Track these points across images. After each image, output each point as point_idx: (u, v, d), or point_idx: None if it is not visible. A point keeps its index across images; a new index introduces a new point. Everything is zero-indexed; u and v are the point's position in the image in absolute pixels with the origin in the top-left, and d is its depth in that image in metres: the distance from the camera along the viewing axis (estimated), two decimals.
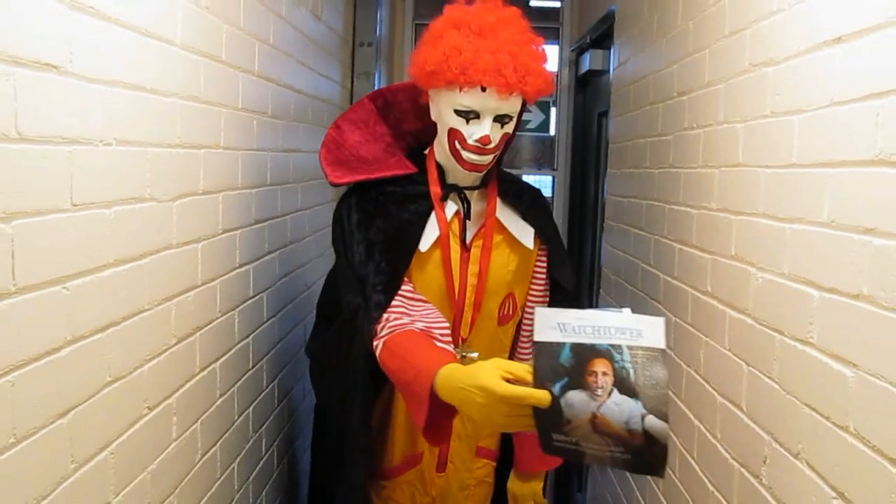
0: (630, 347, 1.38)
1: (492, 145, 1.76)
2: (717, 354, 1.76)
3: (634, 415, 1.37)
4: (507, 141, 1.85)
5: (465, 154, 1.78)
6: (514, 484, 2.10)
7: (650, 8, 2.55)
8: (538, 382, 1.38)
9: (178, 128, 1.55)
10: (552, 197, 4.47)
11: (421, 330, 1.73)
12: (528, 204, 2.01)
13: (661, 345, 1.39)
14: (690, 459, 1.92)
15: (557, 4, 4.34)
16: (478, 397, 1.38)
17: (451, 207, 1.91)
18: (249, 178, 2.05)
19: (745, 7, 1.67)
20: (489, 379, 1.39)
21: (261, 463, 2.24)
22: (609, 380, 1.37)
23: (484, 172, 1.87)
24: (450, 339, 1.79)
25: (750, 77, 1.62)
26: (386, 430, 2.00)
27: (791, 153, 1.40)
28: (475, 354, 1.89)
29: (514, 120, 1.79)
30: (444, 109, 1.77)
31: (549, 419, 1.38)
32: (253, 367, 2.12)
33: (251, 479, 2.16)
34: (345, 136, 1.98)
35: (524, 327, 2.05)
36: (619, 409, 1.37)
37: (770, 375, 1.46)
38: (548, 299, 2.05)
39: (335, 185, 1.93)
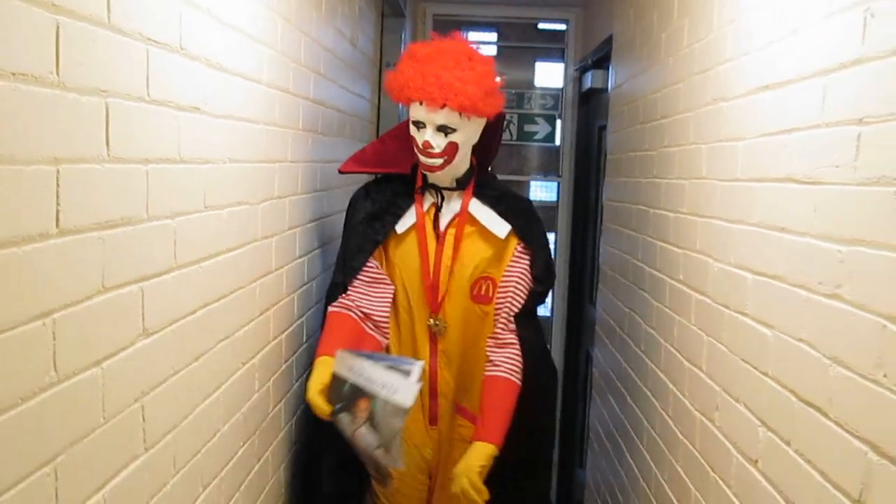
0: (384, 400, 1.96)
1: (435, 150, 2.22)
2: (685, 329, 2.19)
3: (371, 444, 1.99)
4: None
5: (420, 156, 2.28)
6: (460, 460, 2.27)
7: (641, 40, 2.98)
8: (328, 398, 2.08)
9: (262, 147, 1.99)
10: (557, 201, 4.90)
11: (358, 316, 2.33)
12: (508, 206, 2.38)
13: (407, 405, 1.94)
14: (666, 417, 2.35)
15: (563, 27, 4.79)
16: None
17: (429, 200, 2.41)
18: (306, 185, 2.49)
19: (708, 53, 2.11)
20: (312, 382, 2.12)
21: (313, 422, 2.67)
22: (365, 415, 1.98)
23: (445, 173, 2.31)
24: (386, 321, 2.38)
25: (711, 109, 2.06)
26: None
27: (736, 170, 1.83)
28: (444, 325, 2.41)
29: (462, 130, 2.21)
30: (410, 122, 2.27)
31: (335, 425, 2.06)
32: (306, 340, 2.56)
33: (303, 435, 2.59)
34: (375, 146, 2.58)
35: (498, 301, 2.39)
36: (365, 438, 2.00)
37: (721, 341, 1.89)
38: (520, 284, 2.38)
39: (341, 173, 2.56)
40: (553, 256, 2.57)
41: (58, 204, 1.05)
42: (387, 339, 2.41)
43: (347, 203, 2.52)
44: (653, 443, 2.52)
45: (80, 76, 1.09)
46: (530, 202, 2.52)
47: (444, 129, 2.21)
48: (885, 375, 1.17)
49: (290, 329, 2.36)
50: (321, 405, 2.07)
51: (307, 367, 2.57)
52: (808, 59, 1.48)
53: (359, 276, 2.38)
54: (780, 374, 1.55)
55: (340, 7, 2.91)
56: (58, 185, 1.04)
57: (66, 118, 1.06)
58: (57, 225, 1.05)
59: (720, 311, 1.90)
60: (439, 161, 2.25)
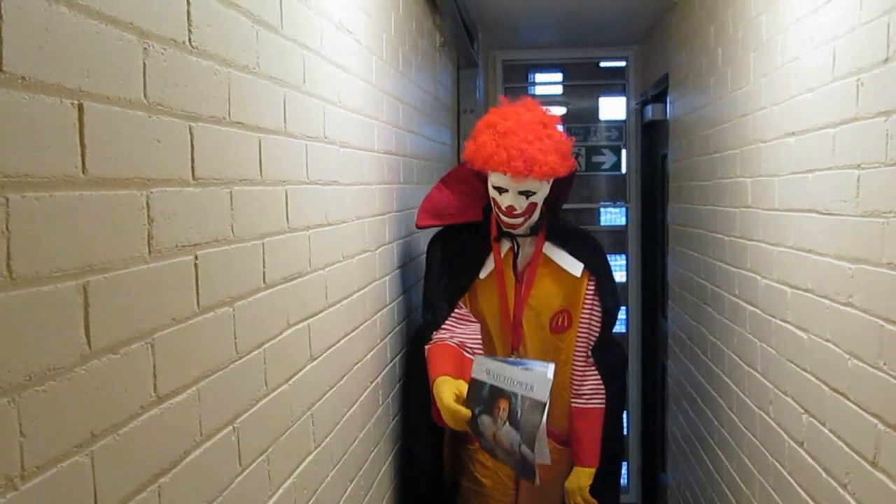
0: (523, 397, 2.12)
1: (517, 212, 2.44)
2: (742, 337, 2.54)
3: (515, 441, 2.14)
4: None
5: (501, 217, 2.51)
6: (568, 480, 2.67)
7: (693, 82, 3.35)
8: (466, 403, 2.23)
9: (369, 173, 2.40)
10: (626, 225, 5.25)
11: (455, 344, 2.53)
12: (577, 245, 2.63)
13: (544, 399, 2.08)
14: (732, 414, 2.69)
15: (623, 64, 5.16)
16: (439, 403, 2.29)
17: (506, 246, 2.63)
18: (404, 230, 2.91)
19: (747, 100, 2.47)
20: (444, 394, 2.26)
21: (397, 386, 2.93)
22: (505, 414, 2.14)
23: (524, 226, 2.52)
24: (481, 348, 2.58)
25: (752, 148, 2.42)
26: None
27: (774, 201, 2.19)
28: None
29: (540, 191, 2.44)
30: (490, 184, 2.50)
31: (474, 429, 2.25)
32: (395, 328, 2.81)
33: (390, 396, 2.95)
34: (440, 193, 2.74)
35: (577, 337, 2.66)
36: (508, 435, 2.15)
37: (770, 345, 2.24)
38: (593, 317, 2.65)
39: (419, 227, 2.74)
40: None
41: (232, 218, 1.40)
42: None
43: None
44: (722, 439, 2.85)
45: (244, 117, 1.44)
46: (595, 239, 2.77)
47: (525, 193, 2.43)
48: (884, 363, 1.52)
49: (393, 331, 2.73)
50: (461, 410, 2.22)
51: (400, 348, 2.89)
52: (821, 114, 1.84)
53: (450, 317, 2.62)
54: (815, 369, 1.90)
55: (426, 68, 3.36)
56: (231, 201, 1.40)
57: (236, 149, 1.42)
58: (233, 232, 1.40)
59: (768, 321, 2.25)
60: (521, 220, 2.48)
